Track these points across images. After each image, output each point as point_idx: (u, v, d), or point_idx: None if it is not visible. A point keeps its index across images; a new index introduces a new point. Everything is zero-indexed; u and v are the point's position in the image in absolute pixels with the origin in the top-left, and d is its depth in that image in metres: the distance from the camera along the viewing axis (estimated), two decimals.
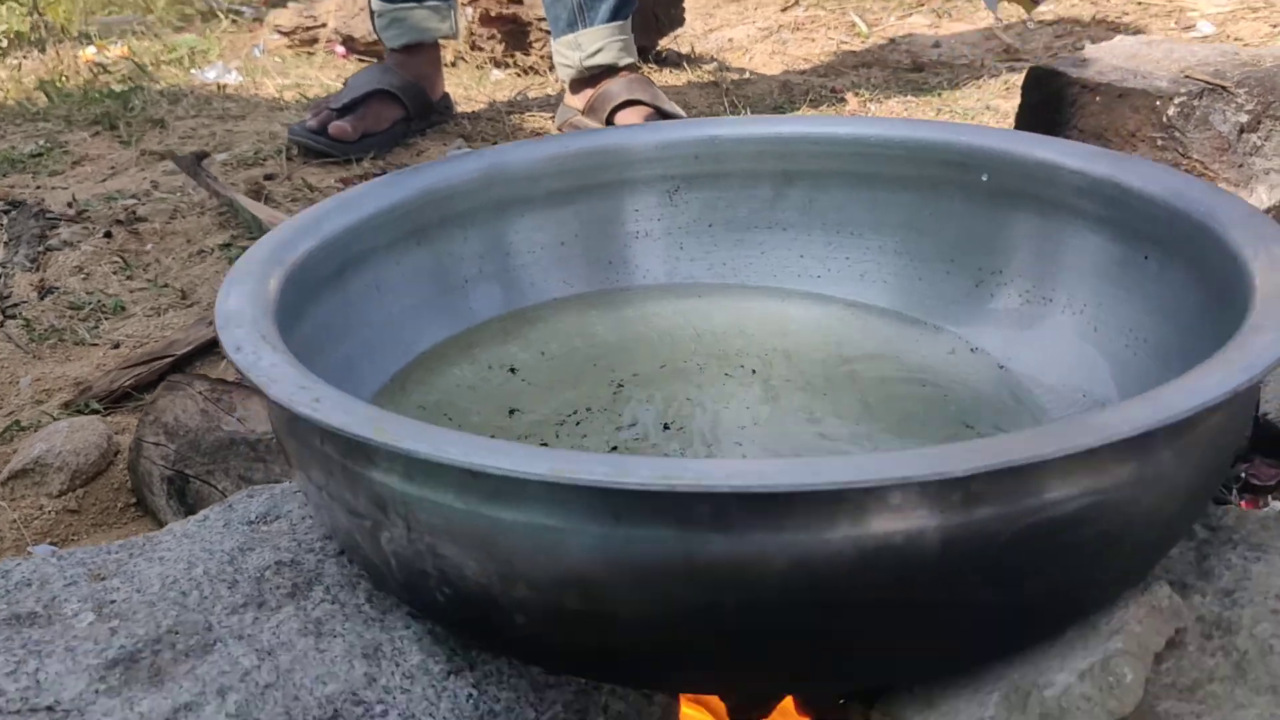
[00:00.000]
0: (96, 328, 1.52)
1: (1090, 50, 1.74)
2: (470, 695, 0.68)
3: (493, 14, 3.07)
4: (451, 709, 0.68)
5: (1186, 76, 1.57)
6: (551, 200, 0.99)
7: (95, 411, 1.30)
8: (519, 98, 2.74)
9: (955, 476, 0.49)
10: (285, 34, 3.63)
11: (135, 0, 4.68)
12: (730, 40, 3.30)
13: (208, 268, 1.65)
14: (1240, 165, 1.53)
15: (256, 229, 1.67)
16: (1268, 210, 1.50)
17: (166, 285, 1.61)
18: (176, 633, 0.71)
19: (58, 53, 3.69)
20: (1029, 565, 0.54)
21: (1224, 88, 1.54)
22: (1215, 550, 0.74)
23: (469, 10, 3.15)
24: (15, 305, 1.57)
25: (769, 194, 1.01)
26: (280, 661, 0.67)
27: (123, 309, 1.56)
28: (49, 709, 0.65)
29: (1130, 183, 0.81)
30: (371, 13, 2.25)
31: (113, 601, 0.74)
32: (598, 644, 0.58)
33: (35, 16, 4.35)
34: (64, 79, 3.18)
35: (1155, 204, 0.78)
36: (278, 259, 0.77)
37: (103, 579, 0.76)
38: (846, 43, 3.21)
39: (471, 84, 2.89)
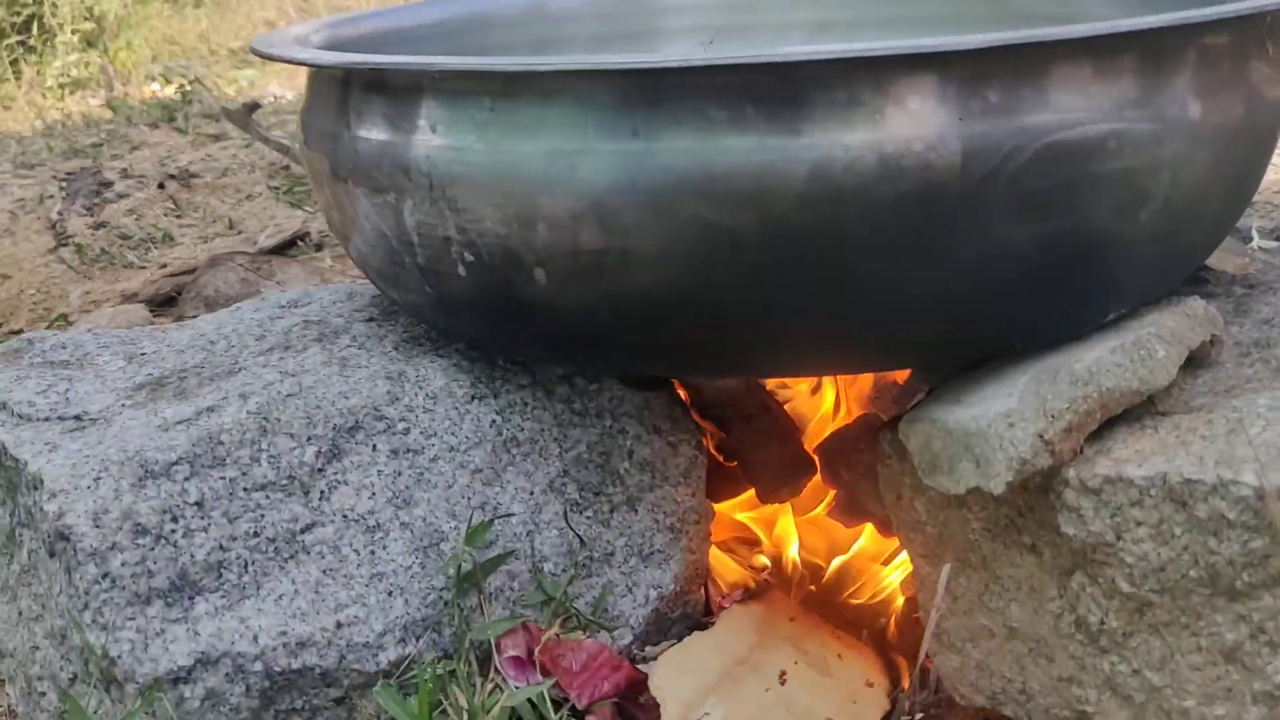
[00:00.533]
0: (146, 254, 1.55)
1: None
2: (493, 420, 0.68)
3: None
4: (474, 430, 0.67)
5: None
6: (588, 47, 1.00)
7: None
8: None
9: (964, 50, 0.48)
10: None
11: (198, 48, 4.84)
12: None
13: (255, 205, 1.68)
14: None
15: None
16: None
17: (215, 220, 1.64)
18: (202, 368, 0.71)
19: (124, 88, 3.82)
20: (1053, 193, 0.53)
21: None
22: (1253, 297, 0.72)
23: None
24: (69, 237, 1.61)
25: (802, 43, 1.02)
26: (304, 380, 0.67)
27: (170, 239, 1.59)
28: (76, 418, 0.66)
29: None
30: None
31: (142, 353, 0.74)
32: (616, 303, 0.57)
33: (104, 60, 4.52)
34: (127, 97, 3.29)
35: None
36: (312, 38, 0.79)
37: (134, 342, 0.77)
38: None
39: None
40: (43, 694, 0.64)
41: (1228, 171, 0.60)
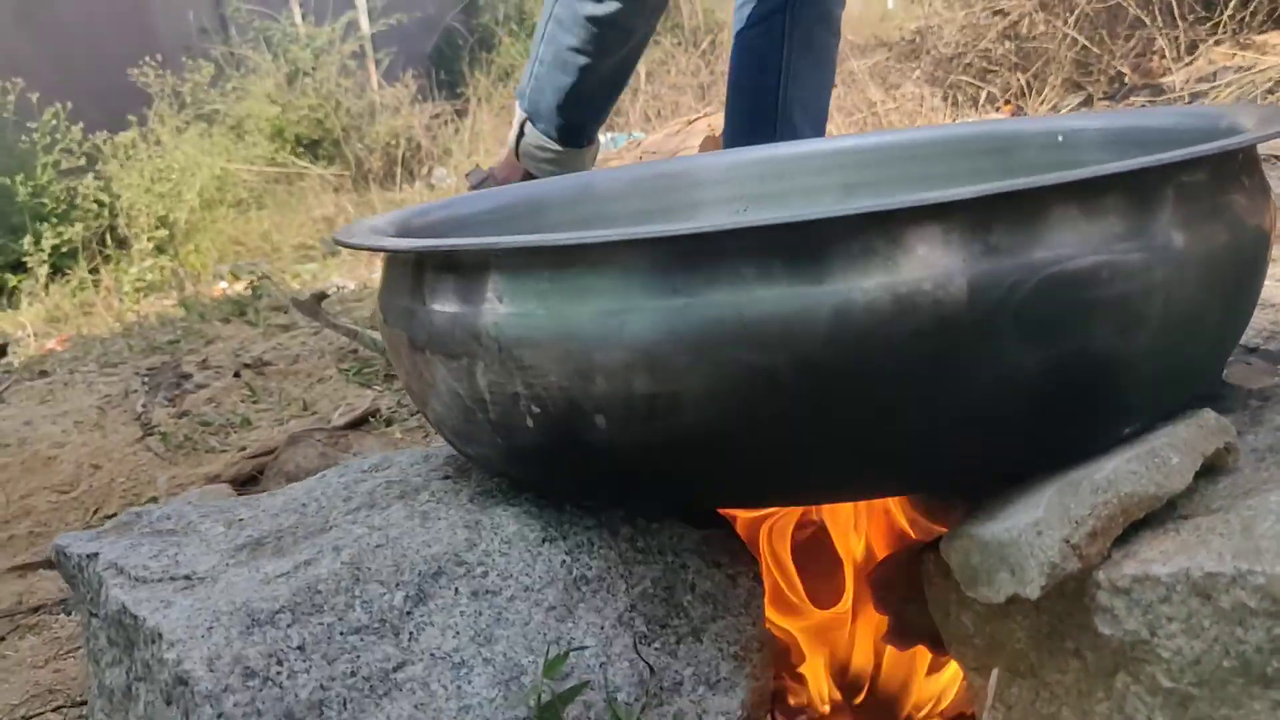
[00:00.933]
0: (226, 439, 1.64)
1: None
2: (564, 560, 0.74)
3: None
4: (546, 570, 0.73)
5: None
6: (632, 220, 1.09)
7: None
8: None
9: (964, 199, 0.55)
10: None
11: (262, 246, 5.09)
12: None
13: (327, 387, 1.78)
14: None
15: (378, 350, 1.81)
16: None
17: (289, 403, 1.74)
18: (296, 528, 0.78)
19: (194, 288, 4.03)
20: (1055, 320, 0.59)
21: (1276, 157, 1.61)
22: (1268, 408, 0.77)
23: None
24: (154, 427, 1.71)
25: (830, 205, 1.10)
26: (390, 533, 0.74)
27: (248, 423, 1.68)
28: (186, 578, 0.73)
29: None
30: (520, 135, 1.99)
31: (240, 519, 0.81)
32: (668, 442, 0.63)
33: (175, 264, 4.77)
34: (199, 296, 3.48)
35: None
36: (385, 229, 0.88)
37: (231, 510, 0.84)
38: None
39: None
40: None
41: (1219, 292, 0.66)
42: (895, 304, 0.58)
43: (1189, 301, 0.64)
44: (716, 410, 0.61)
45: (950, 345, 0.59)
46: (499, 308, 0.65)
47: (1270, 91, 3.04)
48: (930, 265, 0.57)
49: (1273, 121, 0.69)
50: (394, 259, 0.76)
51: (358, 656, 0.67)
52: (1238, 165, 0.67)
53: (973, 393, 0.61)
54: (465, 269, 0.67)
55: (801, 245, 0.57)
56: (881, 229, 0.57)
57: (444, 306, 0.68)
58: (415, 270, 0.71)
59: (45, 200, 4.86)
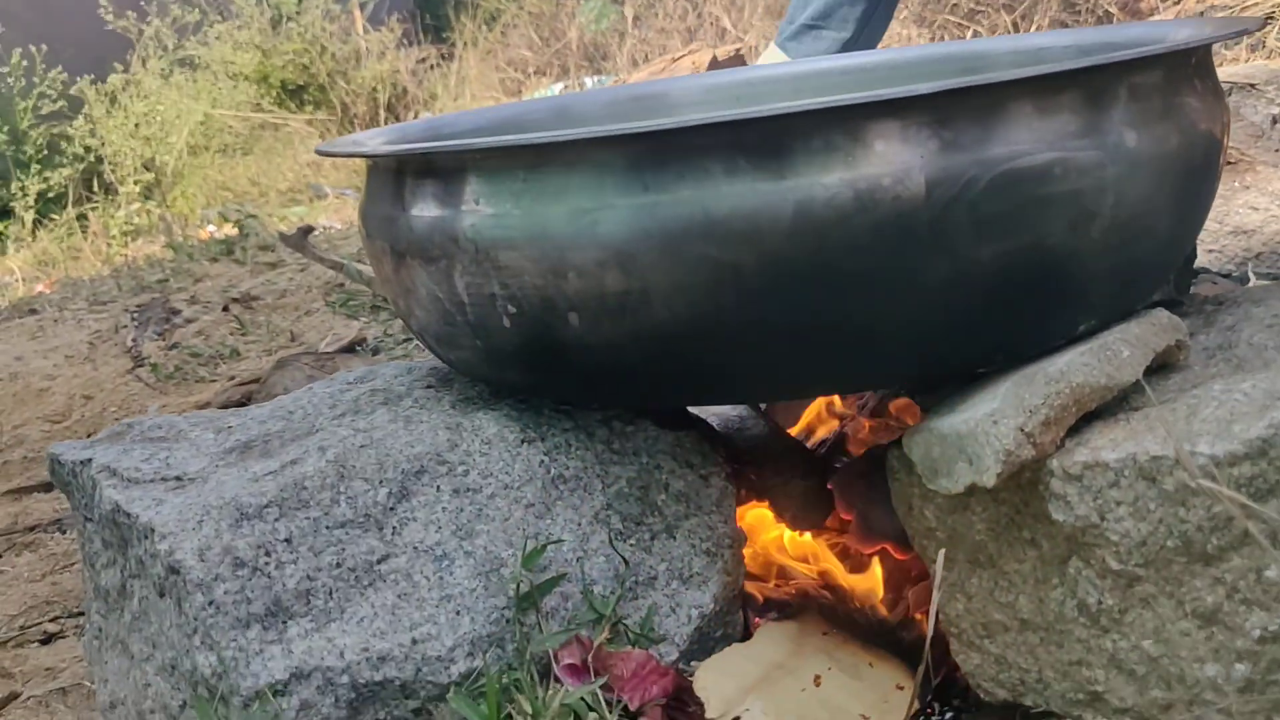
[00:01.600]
0: (216, 369, 1.66)
1: None
2: (542, 461, 0.76)
3: None
4: (525, 470, 0.76)
5: None
6: None
7: None
8: None
9: (921, 95, 0.57)
10: None
11: (249, 191, 5.08)
12: None
13: (314, 319, 1.80)
14: (1277, 149, 1.60)
15: (364, 282, 1.82)
16: None
17: (277, 335, 1.76)
18: (283, 432, 0.80)
19: (182, 232, 4.03)
20: (1010, 215, 0.61)
21: (1252, 84, 1.63)
22: (1221, 310, 0.80)
23: None
24: (144, 359, 1.73)
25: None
26: (374, 435, 0.76)
27: (237, 354, 1.70)
28: (177, 478, 0.75)
29: None
30: None
31: (229, 426, 0.84)
32: (639, 337, 0.65)
33: (162, 209, 4.76)
34: (187, 239, 3.48)
35: None
36: (368, 143, 0.90)
37: (220, 420, 0.86)
38: None
39: None
40: None
41: (1170, 193, 0.68)
42: (856, 199, 0.60)
43: (1140, 200, 0.66)
44: (684, 306, 0.63)
45: (909, 240, 0.61)
46: (476, 210, 0.67)
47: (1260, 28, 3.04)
48: (889, 161, 0.60)
49: (1225, 27, 0.71)
50: (375, 169, 0.77)
51: (343, 549, 0.69)
52: (1190, 69, 0.69)
53: (931, 287, 0.63)
54: (443, 173, 0.69)
55: (765, 142, 0.59)
56: (842, 125, 0.59)
57: (423, 211, 0.70)
58: (395, 178, 0.73)
59: (26, 147, 4.84)
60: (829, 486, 0.84)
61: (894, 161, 0.60)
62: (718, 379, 0.69)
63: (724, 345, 0.65)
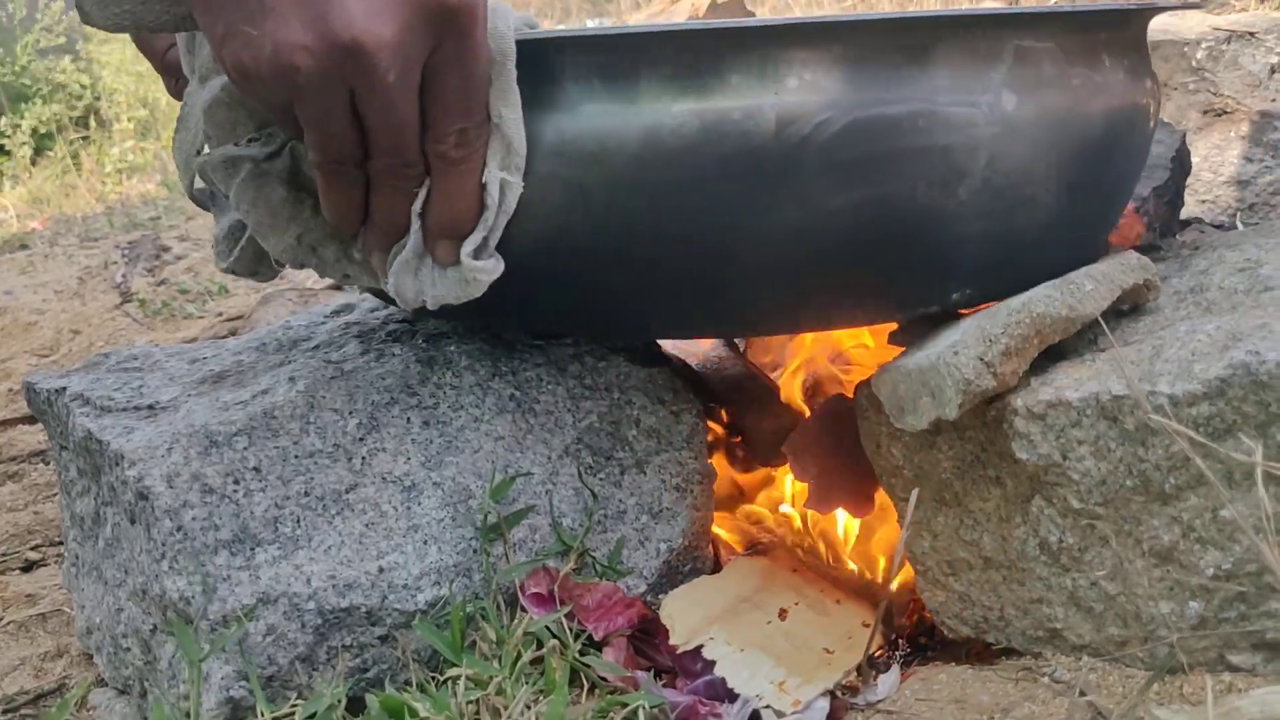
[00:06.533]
0: (204, 305, 1.66)
1: None
2: (513, 395, 0.77)
3: None
4: (495, 404, 0.76)
5: (1214, 29, 1.65)
6: None
7: None
8: None
9: (778, 27, 0.56)
10: None
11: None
12: None
13: None
14: (1274, 100, 1.59)
15: None
16: None
17: None
18: (256, 364, 0.80)
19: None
20: (865, 163, 0.59)
21: (1251, 33, 1.61)
22: (1197, 255, 0.79)
23: None
24: (133, 294, 1.73)
25: None
26: (345, 366, 0.76)
27: (226, 291, 1.70)
28: (150, 407, 0.75)
29: None
30: None
31: (203, 357, 0.84)
32: (509, 265, 0.63)
33: (156, 146, 4.74)
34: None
35: None
36: None
37: (195, 351, 0.87)
38: None
39: None
40: (127, 650, 0.72)
41: (1059, 167, 0.65)
42: (703, 131, 0.58)
43: (1019, 168, 0.63)
44: (537, 223, 0.62)
45: (757, 179, 0.59)
46: None
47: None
48: (741, 95, 0.58)
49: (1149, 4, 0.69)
50: None
51: (311, 478, 0.70)
52: (1100, 42, 0.67)
53: (781, 233, 0.61)
54: None
55: (617, 64, 0.58)
56: (694, 52, 0.58)
57: None
58: None
59: (27, 81, 4.81)
60: (783, 450, 0.84)
61: (745, 96, 0.58)
62: (578, 310, 0.68)
63: (571, 270, 0.64)
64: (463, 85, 0.56)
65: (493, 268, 0.61)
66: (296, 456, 0.70)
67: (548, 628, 0.67)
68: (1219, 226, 1.48)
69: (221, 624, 0.65)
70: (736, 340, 0.98)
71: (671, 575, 0.78)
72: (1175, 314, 0.71)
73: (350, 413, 0.73)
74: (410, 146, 0.56)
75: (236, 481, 0.68)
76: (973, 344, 0.63)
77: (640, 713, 0.61)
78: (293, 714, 0.63)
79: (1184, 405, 0.59)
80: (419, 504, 0.71)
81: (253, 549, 0.67)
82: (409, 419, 0.74)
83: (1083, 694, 0.63)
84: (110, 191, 3.76)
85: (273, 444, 0.70)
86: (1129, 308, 0.72)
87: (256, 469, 0.69)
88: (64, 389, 0.80)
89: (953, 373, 0.63)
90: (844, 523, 0.87)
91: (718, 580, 0.77)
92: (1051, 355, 0.68)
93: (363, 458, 0.72)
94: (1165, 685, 0.62)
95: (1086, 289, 0.66)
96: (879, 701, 0.68)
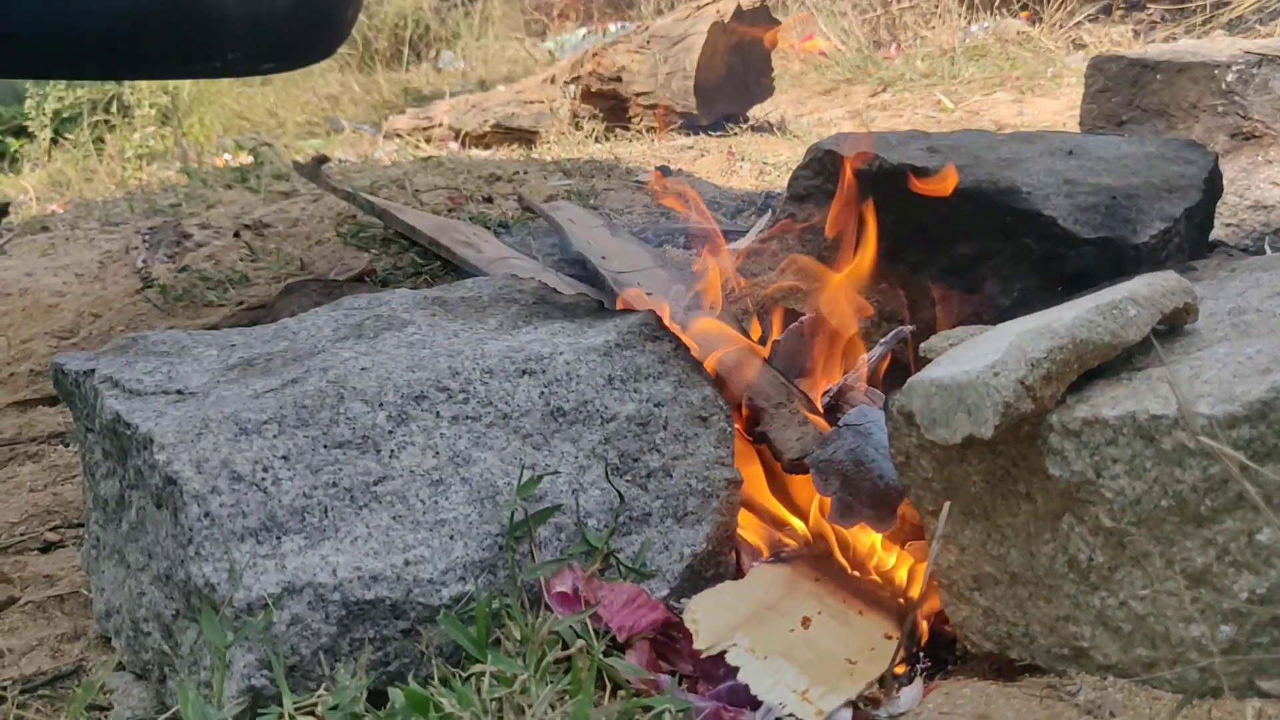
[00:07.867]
0: (224, 293, 1.66)
1: (1152, 47, 1.82)
2: (542, 393, 0.76)
3: (593, 90, 3.30)
4: (525, 401, 0.76)
5: (1245, 52, 1.64)
6: None
7: None
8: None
9: None
10: (402, 136, 3.95)
11: (266, 122, 5.06)
12: (819, 119, 3.45)
13: (325, 249, 1.80)
14: None
15: (373, 213, 1.82)
16: None
17: (287, 262, 1.76)
18: (286, 352, 0.80)
19: (198, 159, 4.02)
20: None
21: (1276, 58, 1.61)
22: (1234, 277, 0.79)
23: (571, 87, 3.39)
24: (154, 280, 1.73)
25: None
26: (375, 359, 0.76)
27: (246, 279, 1.70)
28: (179, 392, 0.75)
29: None
30: None
31: (232, 344, 0.84)
32: None
33: (177, 133, 4.74)
34: (202, 165, 3.47)
35: None
36: None
37: (225, 338, 0.86)
38: (933, 117, 3.33)
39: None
40: (148, 634, 0.72)
41: None
42: None
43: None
44: None
45: None
46: None
47: None
48: None
49: None
50: None
51: (340, 469, 0.70)
52: None
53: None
54: None
55: None
56: None
57: None
58: None
59: None
60: (804, 462, 0.84)
61: None
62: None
63: None
64: None
65: None
66: (326, 446, 0.70)
67: (572, 627, 0.67)
68: (1244, 250, 1.47)
69: (246, 612, 0.65)
70: (764, 348, 0.98)
71: (694, 580, 0.78)
72: (1213, 335, 0.70)
73: (380, 405, 0.72)
74: None
75: (265, 469, 0.68)
76: (1013, 366, 0.62)
77: (666, 716, 0.61)
78: (317, 704, 0.63)
79: (1224, 427, 0.59)
80: (446, 499, 0.71)
81: (279, 538, 0.67)
82: (438, 413, 0.74)
83: (1112, 715, 0.62)
84: (130, 177, 3.77)
85: (303, 433, 0.70)
86: (1166, 328, 0.72)
87: (285, 457, 0.69)
88: (93, 370, 0.80)
89: (992, 394, 0.62)
90: (864, 536, 0.87)
91: (742, 587, 0.76)
92: (1088, 373, 0.67)
93: (391, 450, 0.71)
94: (1193, 709, 0.61)
95: (1130, 314, 0.65)
96: (901, 715, 0.68)
